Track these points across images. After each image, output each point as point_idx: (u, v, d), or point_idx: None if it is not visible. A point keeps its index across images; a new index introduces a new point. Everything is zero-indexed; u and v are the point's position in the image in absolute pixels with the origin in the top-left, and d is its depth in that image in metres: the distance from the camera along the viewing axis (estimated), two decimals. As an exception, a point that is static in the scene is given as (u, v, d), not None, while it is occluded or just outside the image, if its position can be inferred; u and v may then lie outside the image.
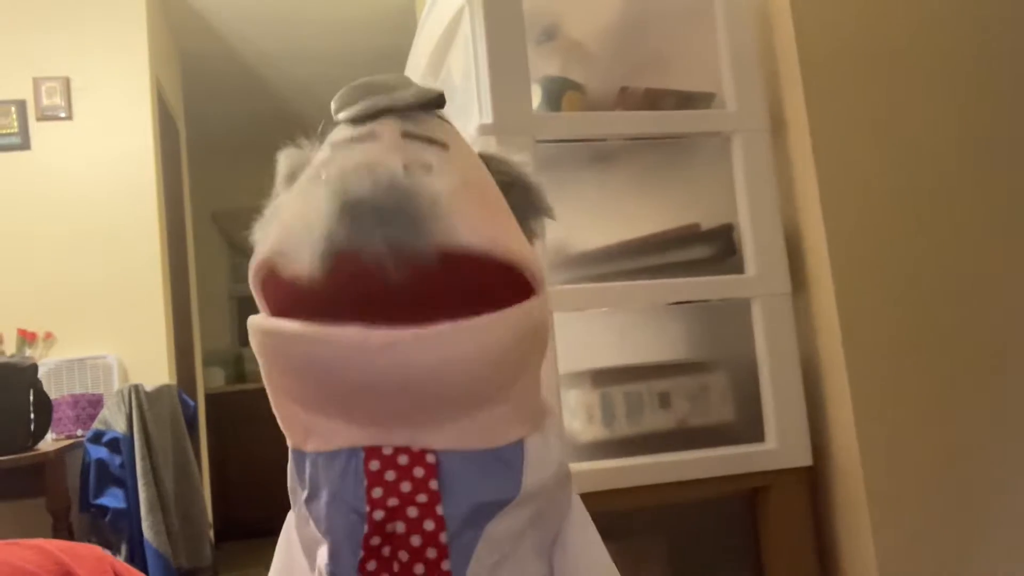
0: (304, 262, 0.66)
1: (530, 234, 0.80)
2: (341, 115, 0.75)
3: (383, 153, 0.69)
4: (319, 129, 0.80)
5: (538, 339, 0.74)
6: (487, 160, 0.80)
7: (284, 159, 0.80)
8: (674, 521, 1.42)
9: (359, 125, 0.73)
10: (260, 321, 0.73)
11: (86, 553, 0.93)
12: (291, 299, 0.70)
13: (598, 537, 0.81)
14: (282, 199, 0.75)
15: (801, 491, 1.33)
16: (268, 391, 0.76)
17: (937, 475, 1.29)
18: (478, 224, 0.67)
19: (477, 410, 0.72)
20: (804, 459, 1.32)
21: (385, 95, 0.73)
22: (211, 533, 3.05)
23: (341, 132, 0.75)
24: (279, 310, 0.73)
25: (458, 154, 0.74)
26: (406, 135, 0.72)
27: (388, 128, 0.72)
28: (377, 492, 0.69)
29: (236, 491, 4.67)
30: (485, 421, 0.72)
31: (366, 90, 0.75)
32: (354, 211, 0.64)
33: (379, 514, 0.69)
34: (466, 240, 0.66)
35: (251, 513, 4.49)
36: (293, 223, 0.68)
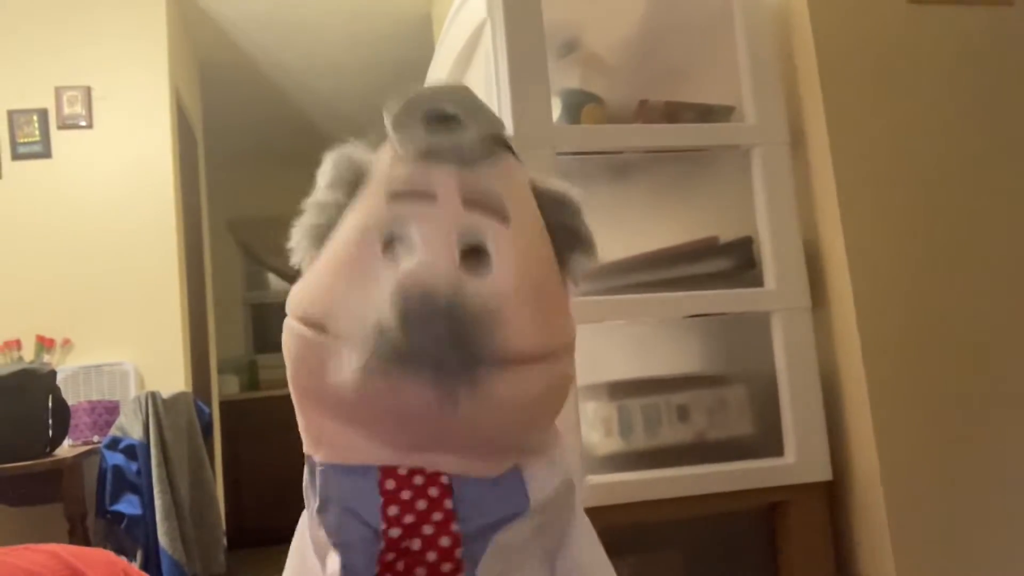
0: (356, 344, 0.68)
1: (569, 274, 0.81)
2: (399, 146, 0.75)
3: (443, 221, 0.70)
4: (369, 136, 0.81)
5: (562, 393, 0.77)
6: (539, 195, 0.79)
7: (331, 162, 0.79)
8: (692, 535, 1.41)
9: (418, 159, 0.73)
10: (303, 331, 0.74)
11: (98, 558, 0.95)
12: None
13: (600, 545, 0.83)
14: (335, 237, 0.75)
15: (820, 506, 1.32)
16: (293, 394, 0.77)
17: (959, 491, 1.28)
18: (528, 335, 0.71)
19: (495, 450, 0.74)
20: (824, 474, 1.31)
21: (445, 130, 0.73)
22: (225, 540, 3.06)
23: (398, 164, 0.75)
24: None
25: (518, 223, 0.74)
26: (467, 202, 0.72)
27: (449, 188, 0.72)
28: (393, 510, 0.71)
29: (249, 499, 4.67)
30: (497, 459, 0.75)
31: (425, 110, 0.74)
32: (409, 315, 0.66)
33: (395, 531, 0.70)
34: (516, 352, 0.70)
35: (264, 521, 4.49)
36: (347, 299, 0.70)
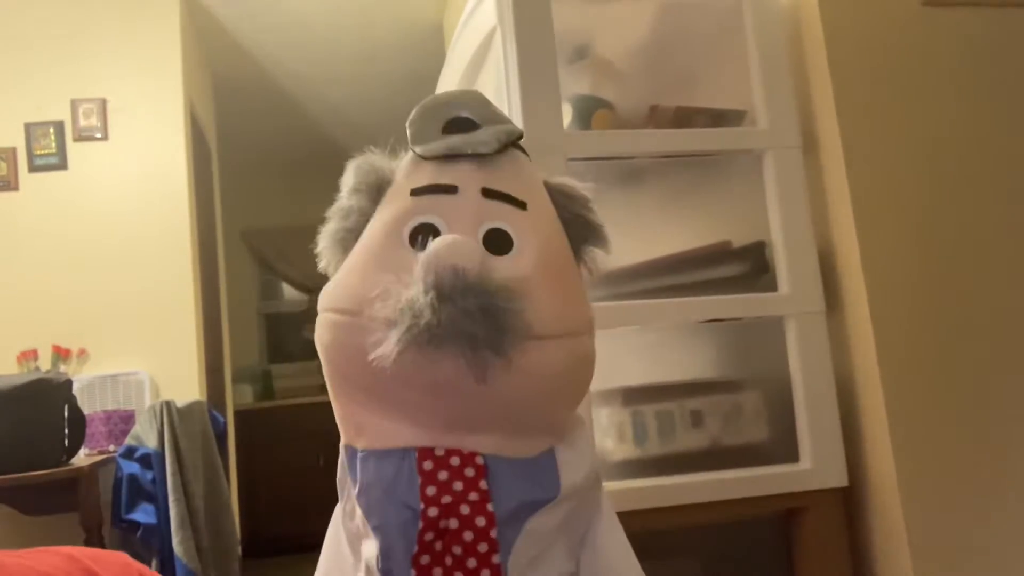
0: (386, 347, 0.71)
1: (583, 264, 0.86)
2: (419, 150, 0.79)
3: (466, 220, 0.75)
4: (390, 143, 0.85)
5: (587, 368, 0.81)
6: (552, 191, 0.84)
7: (353, 169, 0.84)
8: (707, 541, 1.40)
9: (439, 163, 0.78)
10: (339, 319, 0.77)
11: (113, 560, 0.96)
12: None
13: (625, 538, 0.85)
14: (363, 237, 0.79)
15: (836, 512, 1.30)
16: (329, 386, 0.81)
17: (976, 496, 1.26)
18: (551, 311, 0.75)
19: (525, 427, 0.77)
20: (839, 480, 1.29)
21: (463, 135, 0.78)
22: (239, 549, 3.06)
23: (420, 169, 0.79)
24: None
25: (534, 211, 0.79)
26: (487, 193, 0.77)
27: (469, 181, 0.77)
28: (431, 490, 0.73)
29: (264, 508, 4.68)
30: (527, 437, 0.77)
31: (443, 117, 0.79)
32: (439, 327, 0.69)
33: (433, 511, 0.73)
34: (540, 324, 0.73)
35: (278, 529, 4.50)
36: (378, 299, 0.73)
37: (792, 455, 1.30)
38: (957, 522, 1.25)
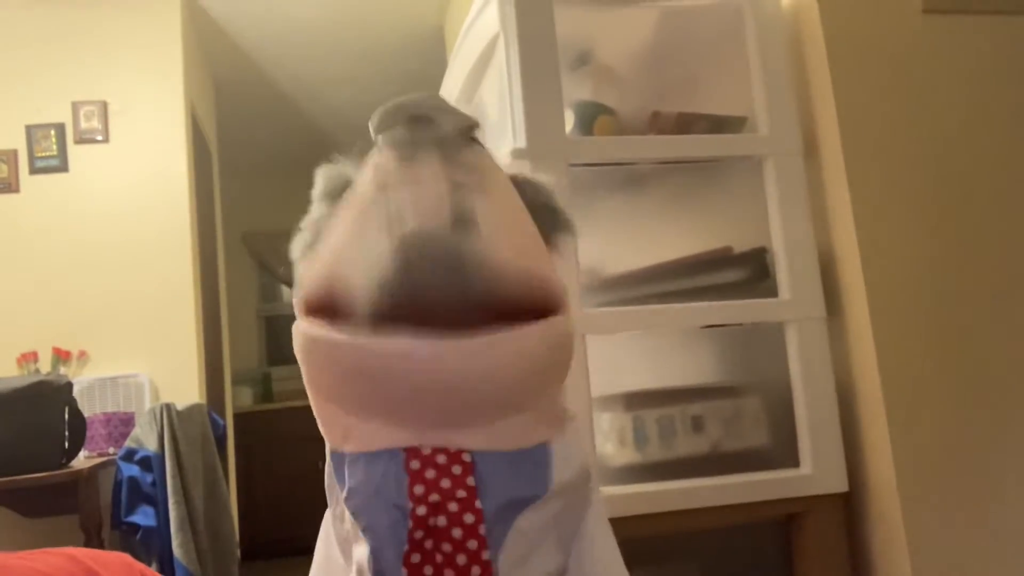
0: (360, 303, 0.72)
1: (554, 250, 0.86)
2: (382, 138, 0.80)
3: (431, 189, 0.75)
4: (355, 149, 0.85)
5: (565, 350, 0.81)
6: (516, 183, 0.85)
7: (322, 176, 0.85)
8: (707, 546, 1.41)
9: (402, 151, 0.78)
10: (309, 328, 0.77)
11: (114, 560, 0.96)
12: (340, 318, 0.75)
13: (612, 534, 0.85)
14: (331, 225, 0.78)
15: (836, 517, 1.31)
16: (310, 394, 0.81)
17: (977, 501, 1.27)
18: (522, 284, 0.75)
19: (509, 415, 0.77)
20: (840, 485, 1.30)
21: (424, 126, 0.79)
22: (238, 552, 3.06)
23: (384, 158, 0.79)
24: (328, 323, 0.77)
25: (499, 198, 0.80)
26: (452, 183, 0.77)
27: (433, 172, 0.77)
28: (419, 489, 0.73)
29: (262, 510, 4.68)
30: (514, 426, 0.77)
31: (404, 114, 0.80)
32: (409, 265, 0.70)
33: (422, 509, 0.73)
34: (512, 301, 0.73)
35: (278, 532, 4.50)
36: (348, 263, 0.74)
37: (792, 460, 1.30)
38: (957, 528, 1.26)
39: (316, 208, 0.84)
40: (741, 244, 1.41)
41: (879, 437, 1.28)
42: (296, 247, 0.83)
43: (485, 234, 0.74)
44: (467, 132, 0.81)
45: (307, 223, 0.84)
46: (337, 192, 0.82)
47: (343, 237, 0.76)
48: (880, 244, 1.31)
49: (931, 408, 1.28)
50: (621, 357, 1.39)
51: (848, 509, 1.33)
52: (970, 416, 1.29)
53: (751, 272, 1.38)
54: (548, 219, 0.85)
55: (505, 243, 0.75)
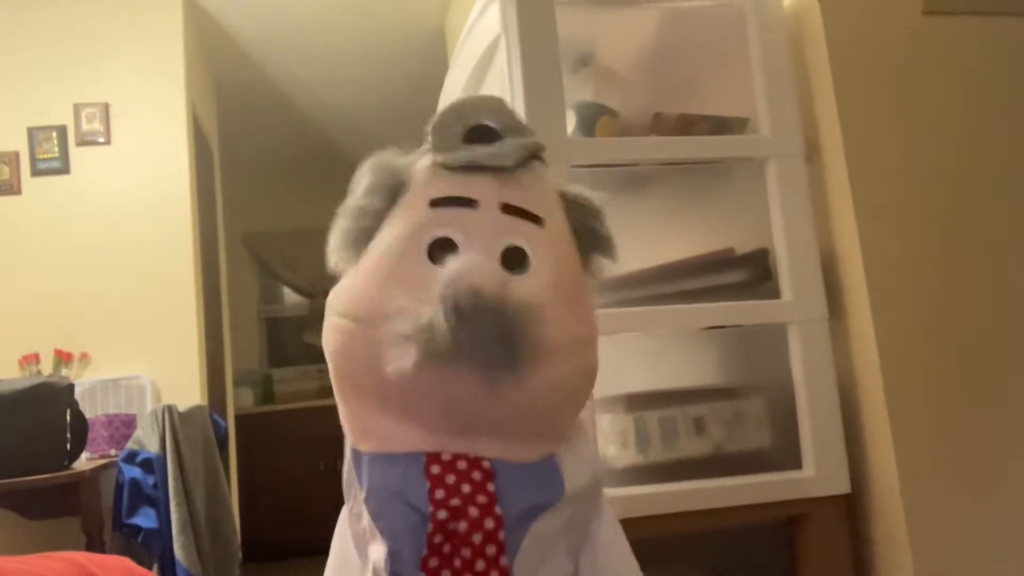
0: (401, 360, 0.73)
1: (591, 273, 0.87)
2: (441, 159, 0.79)
3: (484, 247, 0.75)
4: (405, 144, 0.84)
5: (592, 377, 0.82)
6: (565, 200, 0.84)
7: (371, 171, 0.82)
8: (710, 548, 1.40)
9: (459, 173, 0.78)
10: (356, 329, 0.77)
11: (115, 564, 0.97)
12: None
13: (625, 540, 0.86)
14: (379, 246, 0.79)
15: (839, 519, 1.31)
16: (337, 388, 0.81)
17: (979, 503, 1.26)
18: (564, 331, 0.77)
19: (535, 435, 0.78)
20: (842, 487, 1.30)
21: (485, 145, 0.78)
22: (240, 553, 3.06)
23: (440, 178, 0.79)
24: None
25: (551, 227, 0.80)
26: (506, 208, 0.77)
27: (489, 195, 0.77)
28: (439, 494, 0.74)
29: (264, 512, 4.67)
30: (532, 443, 0.79)
31: (464, 121, 0.79)
32: (458, 323, 0.70)
33: (443, 514, 0.74)
34: (555, 345, 0.75)
35: (279, 534, 4.50)
36: (395, 306, 0.74)
37: (795, 462, 1.30)
38: (960, 529, 1.25)
39: (362, 199, 0.81)
40: (743, 245, 1.41)
41: (881, 439, 1.28)
42: (336, 237, 0.81)
43: (535, 278, 0.75)
44: (526, 150, 0.80)
45: (352, 213, 0.81)
46: (384, 187, 0.80)
47: (389, 266, 0.77)
48: (882, 245, 1.31)
49: (934, 409, 1.28)
50: (623, 358, 1.39)
51: (851, 511, 1.33)
52: (973, 417, 1.29)
53: (753, 273, 1.37)
54: (591, 242, 0.85)
55: (552, 289, 0.77)
